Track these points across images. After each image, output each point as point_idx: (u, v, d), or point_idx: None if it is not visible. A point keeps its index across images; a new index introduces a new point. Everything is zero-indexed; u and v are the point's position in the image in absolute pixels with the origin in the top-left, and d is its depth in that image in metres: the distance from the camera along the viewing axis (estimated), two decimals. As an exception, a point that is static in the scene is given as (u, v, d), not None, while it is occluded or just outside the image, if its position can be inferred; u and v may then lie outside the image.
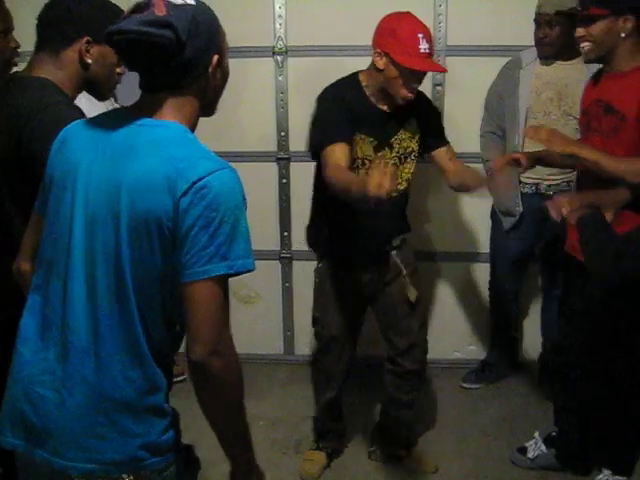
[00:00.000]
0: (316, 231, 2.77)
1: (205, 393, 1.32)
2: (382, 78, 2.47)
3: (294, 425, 3.25)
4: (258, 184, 3.53)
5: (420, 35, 2.40)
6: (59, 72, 1.80)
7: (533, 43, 3.15)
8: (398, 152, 2.61)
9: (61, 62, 1.79)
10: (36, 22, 1.81)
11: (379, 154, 2.56)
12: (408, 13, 2.47)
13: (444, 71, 2.78)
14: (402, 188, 2.64)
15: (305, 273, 3.57)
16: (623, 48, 2.38)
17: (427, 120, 2.66)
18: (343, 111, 2.50)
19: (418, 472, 2.93)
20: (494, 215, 3.41)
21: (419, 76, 2.48)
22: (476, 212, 3.50)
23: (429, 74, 3.33)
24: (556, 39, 3.05)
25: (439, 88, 3.43)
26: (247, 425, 1.42)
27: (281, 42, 3.37)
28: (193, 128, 1.40)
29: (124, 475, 1.33)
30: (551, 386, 3.16)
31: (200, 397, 1.33)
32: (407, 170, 2.65)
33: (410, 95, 2.48)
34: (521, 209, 3.24)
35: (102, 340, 1.31)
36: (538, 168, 3.11)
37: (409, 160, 2.64)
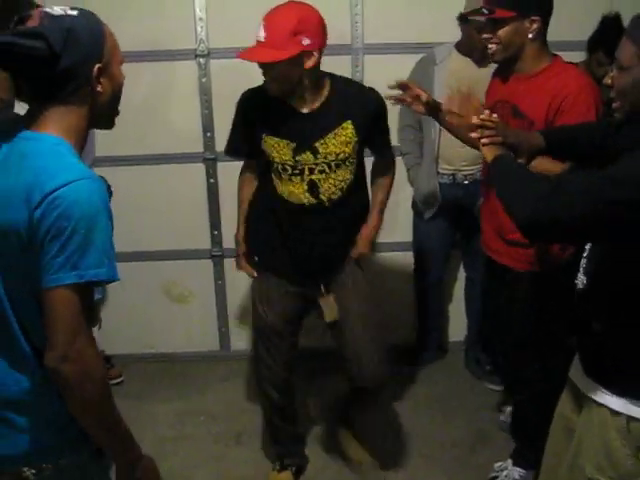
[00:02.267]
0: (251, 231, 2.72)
1: (64, 396, 1.35)
2: (305, 77, 2.35)
3: (234, 418, 3.33)
4: (187, 185, 3.60)
5: (263, 23, 2.27)
6: None
7: (445, 40, 3.31)
8: (326, 158, 2.42)
9: None
10: None
11: (297, 158, 2.42)
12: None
13: (257, 60, 2.29)
14: (336, 197, 2.49)
15: (237, 270, 3.65)
16: (530, 49, 2.43)
17: (369, 128, 2.49)
18: (249, 121, 2.49)
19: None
20: (415, 206, 3.55)
21: (263, 68, 2.32)
22: (399, 203, 3.62)
23: (348, 71, 3.49)
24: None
25: (358, 85, 3.55)
26: (117, 423, 1.43)
27: (203, 44, 3.42)
28: (78, 139, 1.41)
29: (24, 468, 1.40)
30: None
31: (66, 401, 1.36)
32: (341, 177, 2.47)
33: (269, 89, 2.36)
34: (440, 199, 3.38)
35: None
36: (454, 159, 3.29)
37: (343, 167, 2.46)
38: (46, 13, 1.34)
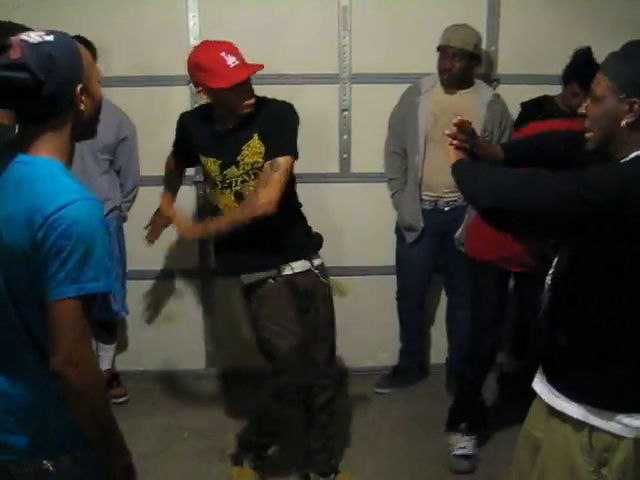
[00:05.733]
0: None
1: (66, 399, 1.46)
2: (217, 105, 2.64)
3: (218, 435, 3.37)
4: (176, 204, 3.67)
5: (222, 53, 2.53)
6: None
7: (430, 71, 3.43)
8: (244, 169, 2.67)
9: None
10: None
11: (225, 172, 2.68)
12: (204, 42, 2.66)
13: (260, 68, 2.60)
14: None
15: (225, 289, 3.73)
16: None
17: (268, 133, 2.66)
18: (182, 140, 2.84)
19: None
20: (398, 230, 3.65)
21: (245, 87, 2.57)
22: (382, 227, 3.73)
23: (335, 100, 3.62)
24: (459, 71, 3.33)
25: (346, 113, 3.68)
26: (112, 426, 1.53)
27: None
28: (67, 156, 1.50)
29: (44, 462, 1.52)
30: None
31: (66, 402, 1.46)
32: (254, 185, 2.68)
33: (249, 103, 2.61)
34: (422, 224, 3.49)
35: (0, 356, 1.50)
36: (436, 186, 3.41)
37: (260, 175, 2.66)
38: (25, 42, 1.39)
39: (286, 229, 2.78)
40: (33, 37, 1.41)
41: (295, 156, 2.70)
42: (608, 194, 1.49)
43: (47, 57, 1.39)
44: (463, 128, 1.94)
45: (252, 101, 2.62)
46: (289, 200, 2.73)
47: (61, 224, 1.37)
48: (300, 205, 2.91)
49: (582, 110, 1.74)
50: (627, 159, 1.61)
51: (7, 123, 1.93)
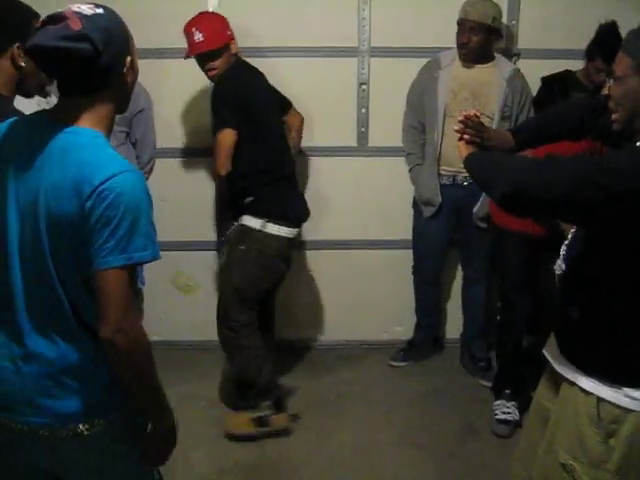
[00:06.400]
0: None
1: (116, 365, 1.51)
2: None
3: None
4: (193, 180, 3.72)
5: (194, 29, 3.04)
6: None
7: (450, 45, 3.40)
8: None
9: None
10: None
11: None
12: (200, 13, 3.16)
13: (191, 54, 3.10)
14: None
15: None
16: None
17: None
18: None
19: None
20: (415, 205, 3.65)
21: (202, 59, 3.08)
22: (399, 201, 3.73)
23: (354, 73, 3.61)
24: (477, 45, 3.30)
25: (364, 86, 3.66)
26: (158, 389, 1.59)
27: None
28: (109, 128, 1.54)
29: (79, 425, 1.55)
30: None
31: (114, 368, 1.52)
32: None
33: (209, 74, 3.11)
34: (440, 199, 3.49)
35: (41, 320, 1.52)
36: (454, 161, 3.39)
37: None
38: (82, 15, 1.42)
39: (243, 191, 3.07)
40: (85, 9, 1.45)
41: (229, 126, 2.97)
42: (619, 181, 1.49)
43: (104, 29, 1.43)
44: (470, 123, 1.94)
45: (211, 73, 3.08)
46: (248, 165, 3.03)
47: (109, 195, 1.41)
48: (272, 169, 3.09)
49: (605, 91, 1.73)
50: None
51: (5, 94, 1.93)
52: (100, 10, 1.46)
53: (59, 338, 1.53)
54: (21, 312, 1.52)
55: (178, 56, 3.21)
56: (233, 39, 3.11)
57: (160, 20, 3.45)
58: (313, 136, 3.65)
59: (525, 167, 1.66)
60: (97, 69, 1.44)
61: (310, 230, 3.79)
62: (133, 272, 1.49)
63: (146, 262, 1.48)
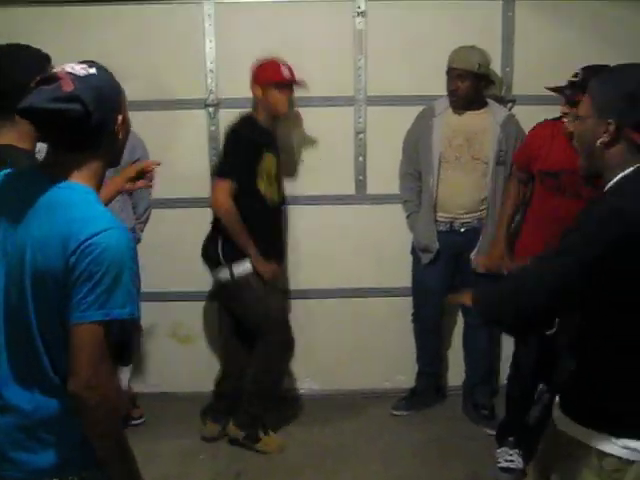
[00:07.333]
0: None
1: (83, 421, 1.48)
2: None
3: (234, 457, 3.37)
4: (191, 230, 3.70)
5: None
6: (17, 134, 1.91)
7: (444, 93, 3.45)
8: None
9: (19, 125, 1.87)
10: None
11: None
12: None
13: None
14: None
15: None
16: None
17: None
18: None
19: None
20: (414, 251, 3.65)
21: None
22: (398, 248, 3.73)
23: (351, 122, 3.64)
24: (466, 92, 3.35)
25: (361, 135, 3.70)
26: (126, 452, 1.55)
27: (212, 95, 3.59)
28: (100, 182, 1.55)
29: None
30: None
31: (82, 424, 1.48)
32: None
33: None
34: (437, 245, 3.48)
35: (19, 372, 1.51)
36: (451, 207, 3.40)
37: None
38: (73, 74, 1.44)
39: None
40: (78, 70, 1.47)
41: (229, 178, 3.10)
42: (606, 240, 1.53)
43: (96, 89, 1.45)
44: None
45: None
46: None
47: (94, 250, 1.41)
48: (254, 220, 3.18)
49: (570, 129, 1.78)
50: (612, 183, 1.64)
51: (25, 147, 1.95)
52: (93, 70, 1.49)
53: (37, 390, 1.51)
54: (2, 363, 1.51)
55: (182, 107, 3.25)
56: None
57: (163, 72, 3.53)
58: (311, 184, 3.67)
59: (510, 293, 1.71)
60: (88, 128, 1.45)
61: (310, 278, 3.78)
62: (110, 329, 1.46)
63: (124, 320, 1.46)
